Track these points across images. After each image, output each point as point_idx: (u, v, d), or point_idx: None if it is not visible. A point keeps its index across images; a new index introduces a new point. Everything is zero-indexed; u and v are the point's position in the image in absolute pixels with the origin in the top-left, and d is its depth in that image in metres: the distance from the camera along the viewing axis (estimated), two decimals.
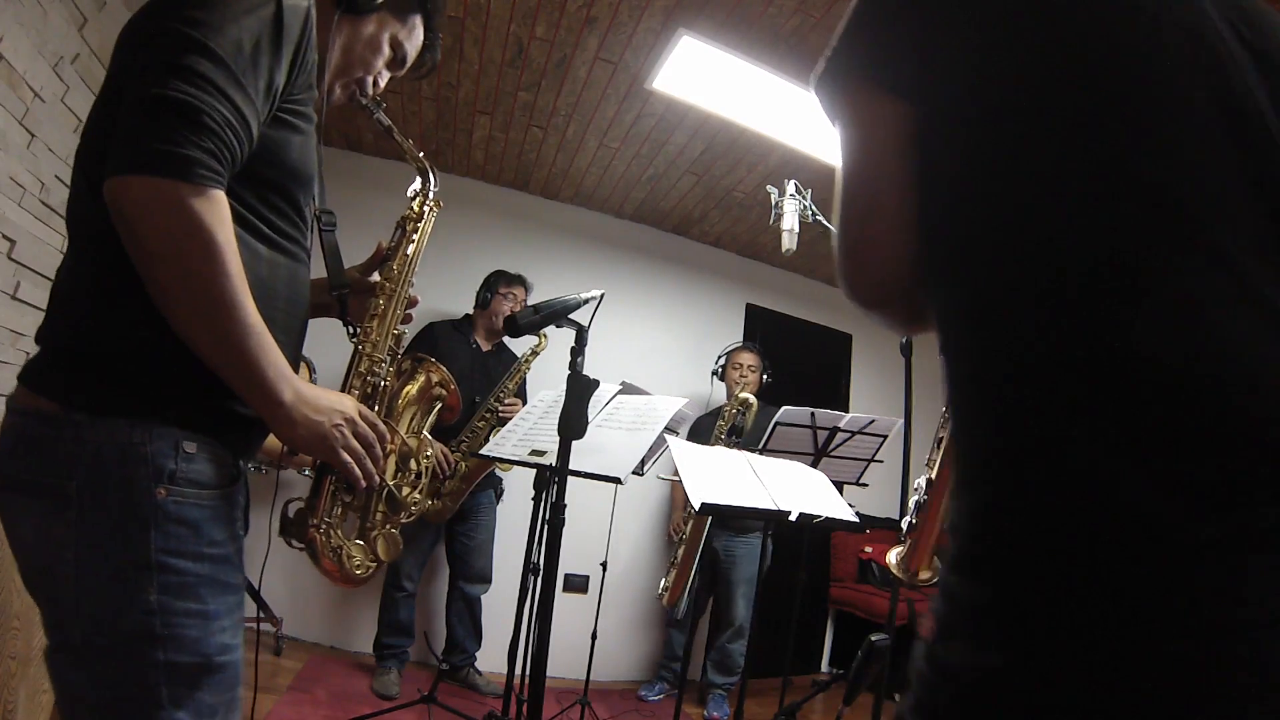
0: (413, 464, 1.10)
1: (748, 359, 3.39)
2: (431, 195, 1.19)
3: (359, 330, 1.06)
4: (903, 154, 0.57)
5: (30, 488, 0.71)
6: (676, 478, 3.02)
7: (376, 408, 1.02)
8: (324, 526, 0.97)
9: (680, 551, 2.84)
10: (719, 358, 3.49)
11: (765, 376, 3.39)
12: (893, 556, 1.05)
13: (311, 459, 0.94)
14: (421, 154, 1.22)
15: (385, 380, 1.04)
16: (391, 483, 1.05)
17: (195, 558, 0.74)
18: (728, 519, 3.15)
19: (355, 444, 0.86)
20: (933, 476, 0.98)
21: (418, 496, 1.10)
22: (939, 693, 0.48)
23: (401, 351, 1.10)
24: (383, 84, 1.06)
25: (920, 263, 0.58)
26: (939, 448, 0.98)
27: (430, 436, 1.20)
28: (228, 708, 0.77)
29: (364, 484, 0.89)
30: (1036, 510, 0.46)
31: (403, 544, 1.09)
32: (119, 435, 0.71)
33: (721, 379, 3.45)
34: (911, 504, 1.01)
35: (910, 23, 0.57)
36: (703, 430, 3.28)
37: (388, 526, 1.06)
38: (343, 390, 1.00)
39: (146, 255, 0.69)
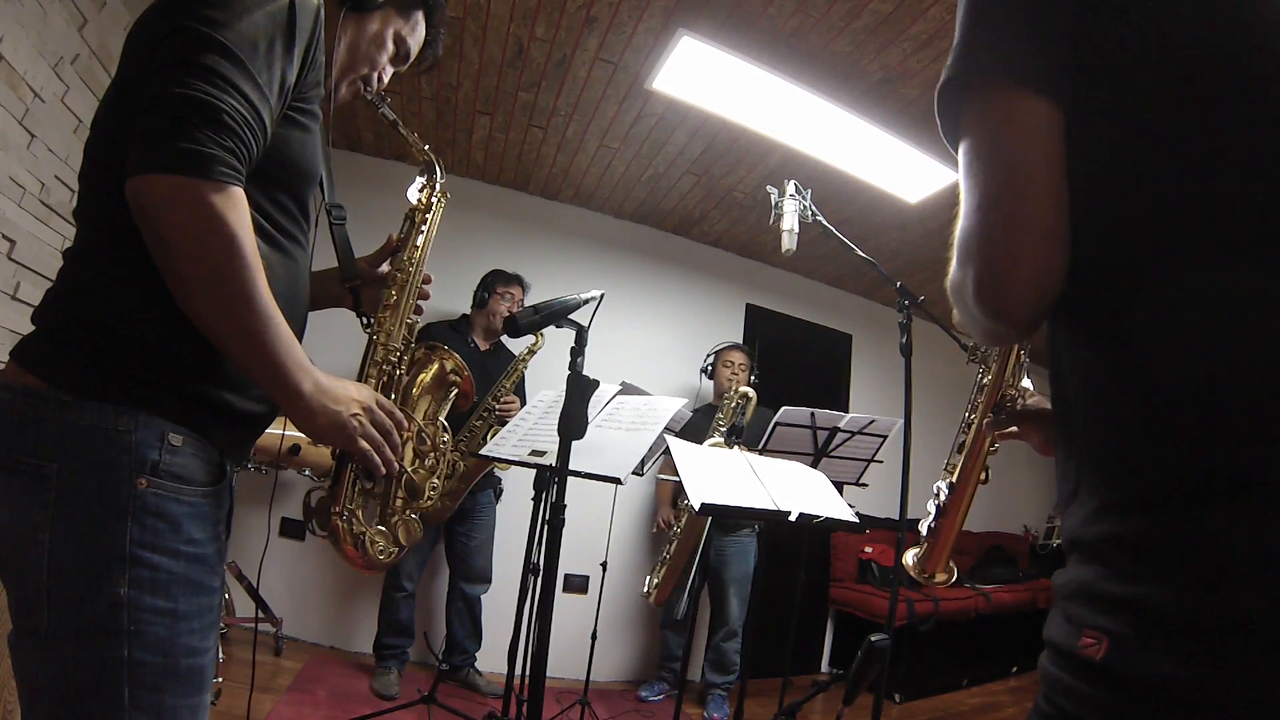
0: (429, 449, 1.11)
1: (738, 357, 3.41)
2: (438, 187, 1.21)
3: (373, 321, 1.08)
4: (1054, 158, 0.54)
5: (10, 466, 0.70)
6: (675, 478, 3.03)
7: (393, 396, 1.05)
8: (346, 514, 0.99)
9: (672, 549, 2.84)
10: (708, 356, 3.51)
11: (754, 376, 3.42)
12: (909, 558, 1.04)
13: (330, 450, 0.95)
14: (427, 146, 1.23)
15: (401, 369, 1.06)
16: (410, 469, 1.06)
17: (171, 554, 0.72)
18: (720, 518, 3.14)
19: (374, 432, 0.87)
20: (954, 480, 0.98)
21: (436, 481, 1.12)
22: (1114, 707, 0.47)
23: (414, 341, 1.12)
24: (386, 79, 1.07)
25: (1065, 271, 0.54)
26: (960, 452, 0.97)
27: (446, 423, 1.22)
28: (192, 713, 0.75)
29: (383, 471, 0.91)
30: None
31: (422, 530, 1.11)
32: (104, 420, 0.70)
33: (711, 377, 3.46)
34: (931, 507, 1.00)
35: (1053, 22, 0.54)
36: (696, 427, 3.27)
37: (408, 513, 1.08)
38: (359, 380, 1.02)
39: (169, 251, 0.70)
